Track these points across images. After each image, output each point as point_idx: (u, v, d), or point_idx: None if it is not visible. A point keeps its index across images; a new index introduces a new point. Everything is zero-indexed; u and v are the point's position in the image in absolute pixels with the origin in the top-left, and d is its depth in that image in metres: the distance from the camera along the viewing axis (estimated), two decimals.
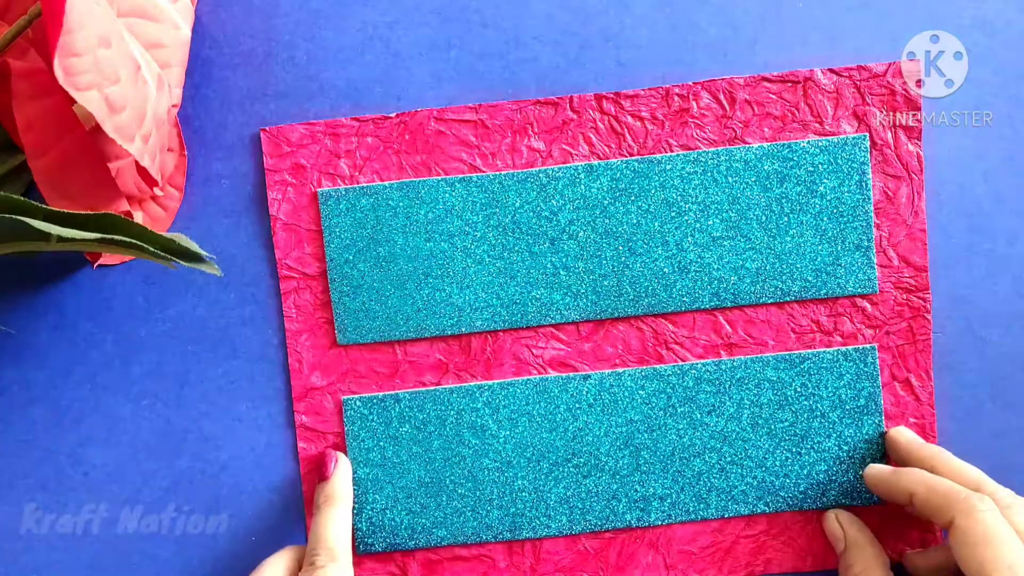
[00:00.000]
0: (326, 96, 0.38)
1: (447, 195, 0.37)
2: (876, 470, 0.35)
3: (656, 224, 0.37)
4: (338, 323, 0.37)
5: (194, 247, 0.32)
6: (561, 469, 0.37)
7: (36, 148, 0.31)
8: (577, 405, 0.37)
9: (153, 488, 0.38)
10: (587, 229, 0.37)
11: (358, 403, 0.37)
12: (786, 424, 0.37)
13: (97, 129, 0.32)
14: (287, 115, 0.38)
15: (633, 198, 0.37)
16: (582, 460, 0.37)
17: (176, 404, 0.38)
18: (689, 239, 0.37)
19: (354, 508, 0.37)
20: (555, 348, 0.38)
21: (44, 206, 0.29)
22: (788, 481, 0.37)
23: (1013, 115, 0.38)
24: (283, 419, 0.38)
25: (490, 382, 0.37)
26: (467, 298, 0.37)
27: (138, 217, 0.36)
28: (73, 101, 0.30)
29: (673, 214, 0.37)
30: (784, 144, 0.37)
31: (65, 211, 0.29)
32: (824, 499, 0.37)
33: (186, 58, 0.35)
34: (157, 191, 0.36)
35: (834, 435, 0.37)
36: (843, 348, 0.37)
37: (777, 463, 0.37)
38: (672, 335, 0.37)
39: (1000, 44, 0.38)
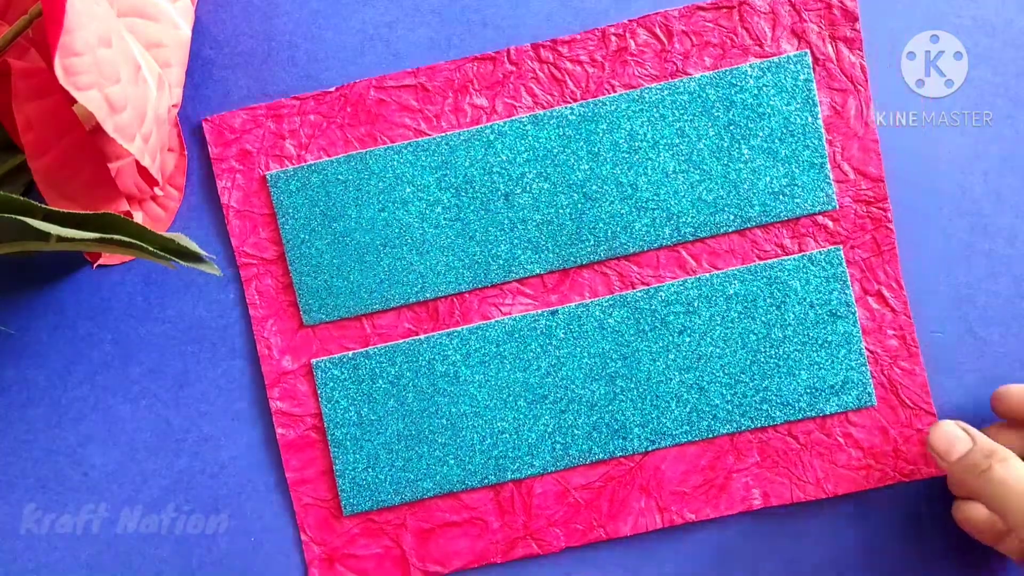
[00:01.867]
0: None
1: (396, 163, 0.37)
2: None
3: (608, 167, 0.37)
4: (302, 304, 0.37)
5: (194, 247, 0.32)
6: (539, 406, 0.37)
7: (36, 148, 0.31)
8: (548, 341, 0.37)
9: (153, 488, 0.38)
10: (540, 180, 0.37)
11: (328, 364, 0.37)
12: (759, 336, 0.37)
13: (97, 129, 0.33)
14: None
15: (582, 143, 0.37)
16: (559, 395, 0.37)
17: (175, 404, 0.38)
18: (643, 178, 0.37)
19: (336, 470, 0.37)
20: (522, 303, 0.37)
21: (44, 206, 0.30)
22: (769, 394, 0.37)
23: (1013, 115, 0.37)
24: None
25: (459, 328, 0.37)
26: (428, 263, 0.37)
27: (138, 217, 0.36)
28: (73, 101, 0.30)
29: (624, 155, 0.37)
30: (726, 71, 0.36)
31: (65, 211, 0.29)
32: (809, 408, 0.37)
33: (186, 58, 0.35)
34: (157, 191, 0.36)
35: (810, 342, 0.37)
36: (808, 253, 0.37)
37: (756, 377, 0.37)
38: (638, 275, 0.37)
39: (1000, 44, 0.37)
